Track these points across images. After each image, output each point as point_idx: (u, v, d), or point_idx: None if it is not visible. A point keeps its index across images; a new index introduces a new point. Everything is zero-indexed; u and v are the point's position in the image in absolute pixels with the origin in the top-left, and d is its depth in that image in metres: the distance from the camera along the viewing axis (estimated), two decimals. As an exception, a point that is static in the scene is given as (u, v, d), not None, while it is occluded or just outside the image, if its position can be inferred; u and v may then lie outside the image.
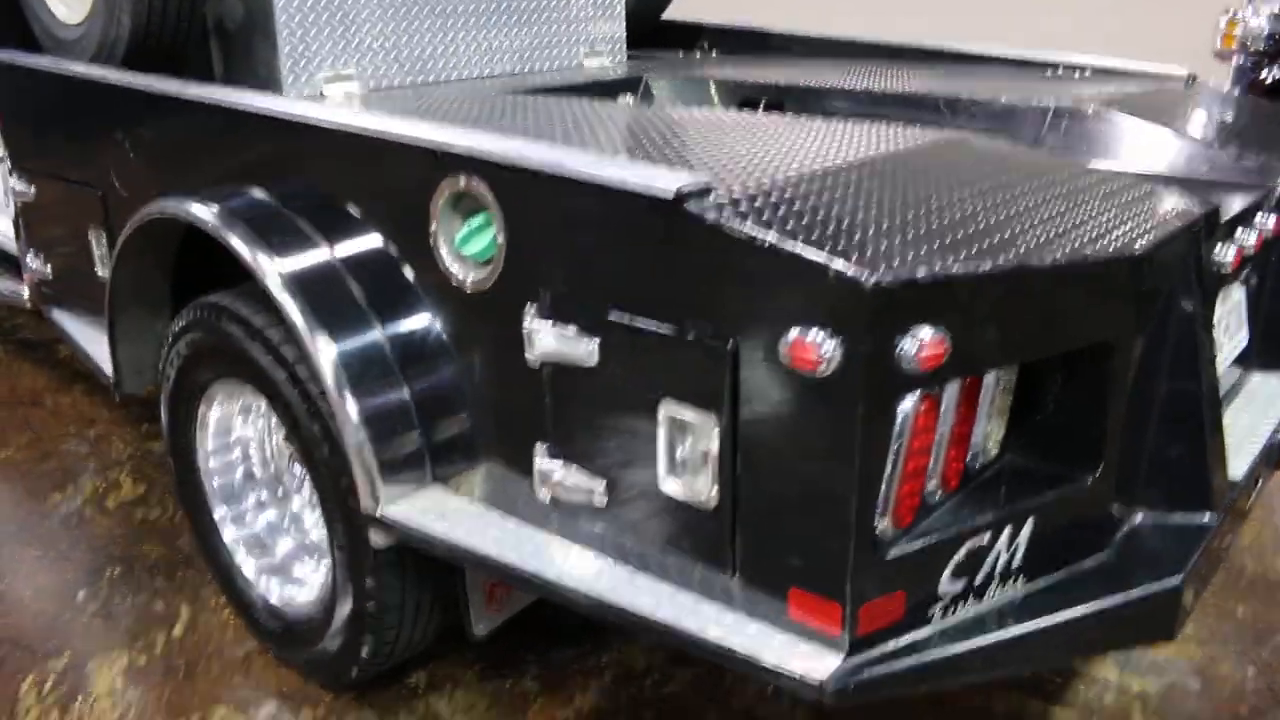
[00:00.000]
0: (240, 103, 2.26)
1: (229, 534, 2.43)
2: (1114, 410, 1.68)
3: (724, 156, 1.76)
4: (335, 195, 2.06)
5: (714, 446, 1.52)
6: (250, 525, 2.44)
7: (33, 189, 2.99)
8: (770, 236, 1.41)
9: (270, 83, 2.77)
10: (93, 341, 2.84)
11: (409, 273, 1.95)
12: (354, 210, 2.03)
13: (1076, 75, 3.06)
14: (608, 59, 3.44)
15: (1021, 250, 1.50)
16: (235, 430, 2.42)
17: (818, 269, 1.37)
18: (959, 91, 2.56)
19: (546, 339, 1.67)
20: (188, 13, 2.65)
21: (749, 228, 1.43)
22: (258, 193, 2.12)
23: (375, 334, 1.93)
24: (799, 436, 1.44)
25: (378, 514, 1.89)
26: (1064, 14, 5.78)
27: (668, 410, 1.56)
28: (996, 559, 1.63)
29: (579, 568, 1.72)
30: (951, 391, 1.58)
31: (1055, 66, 3.16)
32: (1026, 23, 5.73)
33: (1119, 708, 2.30)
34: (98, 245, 2.74)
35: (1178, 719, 2.28)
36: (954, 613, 1.60)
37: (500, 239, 1.70)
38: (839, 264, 1.36)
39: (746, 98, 2.93)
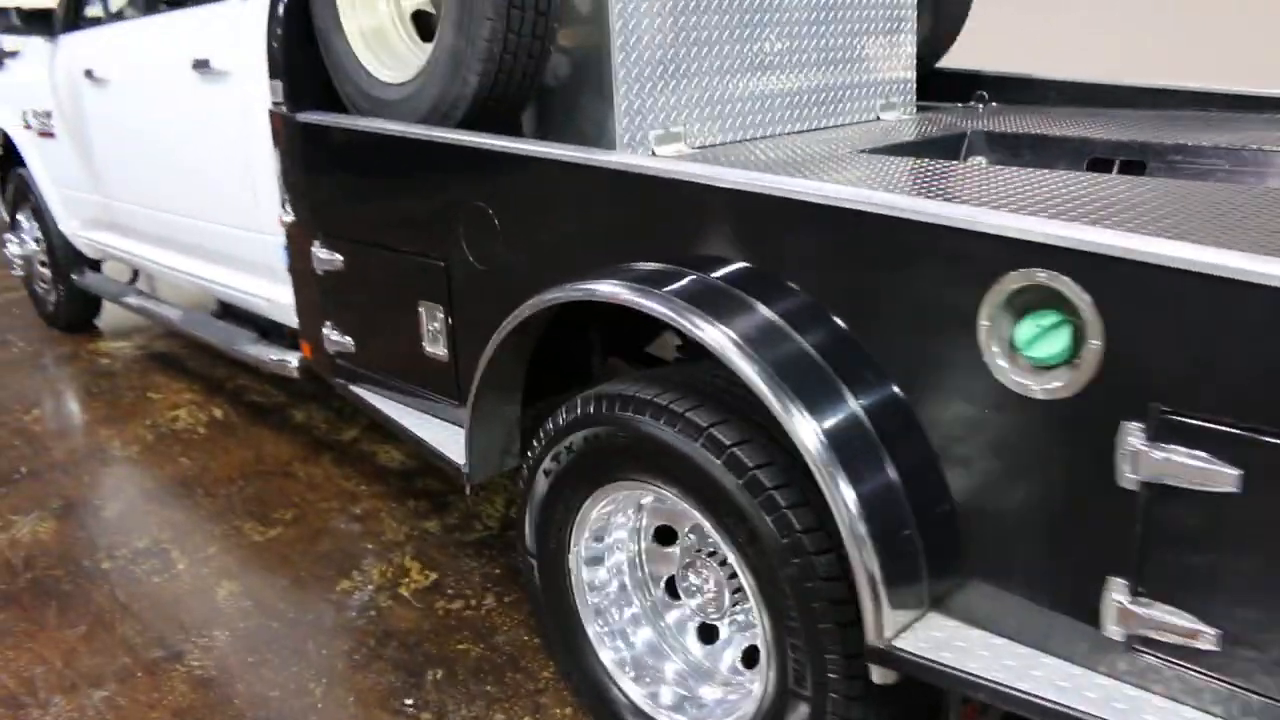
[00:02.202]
0: (689, 173, 1.96)
1: (606, 654, 2.21)
2: None
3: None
4: (789, 274, 1.85)
5: None
6: (630, 644, 2.22)
7: (340, 258, 2.77)
8: None
9: (600, 142, 2.57)
10: (418, 423, 2.61)
11: (914, 373, 1.72)
12: (812, 289, 1.82)
13: None
14: (901, 110, 3.23)
15: None
16: (612, 534, 2.20)
17: None
18: None
19: (1163, 461, 1.43)
20: (533, 71, 2.45)
21: None
22: (702, 272, 1.90)
23: (865, 427, 1.71)
24: None
25: (885, 645, 1.66)
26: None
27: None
28: None
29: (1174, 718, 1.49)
30: None
31: None
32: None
33: None
34: (430, 319, 2.52)
35: None
36: None
37: (1094, 343, 1.47)
38: None
39: (1097, 157, 2.71)
